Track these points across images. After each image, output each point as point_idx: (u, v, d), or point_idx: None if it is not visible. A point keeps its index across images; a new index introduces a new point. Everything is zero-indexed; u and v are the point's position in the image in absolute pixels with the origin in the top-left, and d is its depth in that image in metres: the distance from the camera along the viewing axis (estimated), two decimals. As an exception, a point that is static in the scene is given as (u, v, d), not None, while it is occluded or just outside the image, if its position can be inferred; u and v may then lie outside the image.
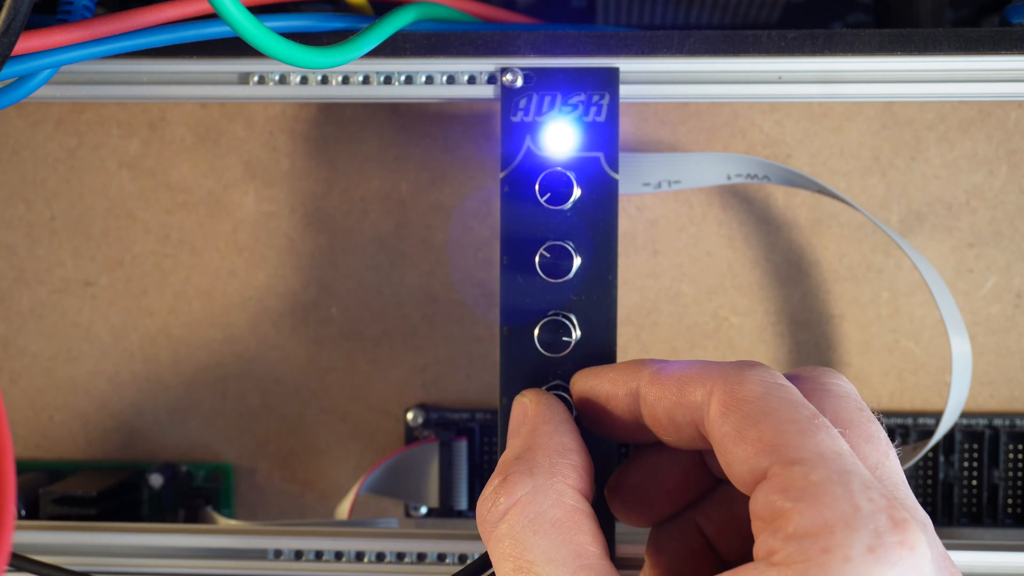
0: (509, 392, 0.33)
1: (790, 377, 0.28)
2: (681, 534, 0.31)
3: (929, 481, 0.44)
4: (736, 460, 0.25)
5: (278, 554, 0.37)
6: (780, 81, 0.34)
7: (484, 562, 0.32)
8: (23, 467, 0.45)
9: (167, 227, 0.45)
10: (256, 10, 0.30)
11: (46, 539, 0.38)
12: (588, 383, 0.31)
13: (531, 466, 0.28)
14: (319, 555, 0.37)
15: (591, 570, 0.26)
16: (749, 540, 0.30)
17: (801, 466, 0.24)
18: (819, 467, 0.24)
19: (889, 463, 0.27)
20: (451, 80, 0.34)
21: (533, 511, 0.27)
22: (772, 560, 0.23)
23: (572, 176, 0.33)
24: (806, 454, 0.24)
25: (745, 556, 0.30)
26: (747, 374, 0.26)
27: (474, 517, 0.44)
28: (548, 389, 0.33)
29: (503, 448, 0.34)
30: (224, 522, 0.43)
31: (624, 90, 0.34)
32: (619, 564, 0.31)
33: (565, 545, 0.26)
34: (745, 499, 0.29)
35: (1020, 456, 0.43)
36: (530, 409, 0.30)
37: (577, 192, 0.33)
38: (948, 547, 0.37)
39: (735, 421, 0.26)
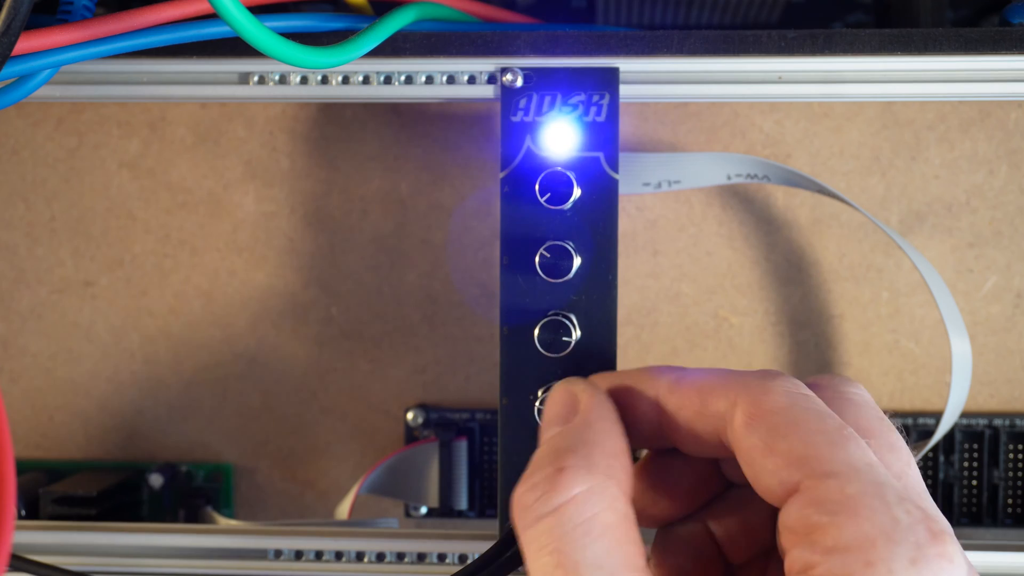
0: (509, 392, 0.33)
1: (808, 386, 0.28)
2: (690, 536, 0.31)
3: (929, 481, 0.44)
4: (764, 472, 0.25)
5: (278, 554, 0.37)
6: (780, 81, 0.34)
7: (506, 545, 0.31)
8: (23, 467, 0.45)
9: (167, 227, 0.45)
10: (256, 10, 0.30)
11: (46, 539, 0.38)
12: (602, 414, 0.31)
13: (589, 464, 0.27)
14: (319, 555, 0.37)
15: None
16: (759, 545, 0.30)
17: (835, 479, 0.24)
18: (853, 480, 0.24)
19: (912, 473, 0.27)
20: (451, 80, 0.34)
21: (588, 512, 0.26)
22: (811, 573, 0.23)
23: (572, 176, 0.33)
24: (839, 467, 0.24)
25: (754, 561, 0.30)
26: (771, 384, 0.26)
27: (474, 517, 0.45)
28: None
29: (503, 447, 0.34)
30: (224, 522, 0.43)
31: (624, 90, 0.34)
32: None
33: (615, 553, 0.25)
34: (758, 505, 0.29)
35: (1020, 456, 0.43)
36: (583, 400, 0.29)
37: (577, 192, 0.33)
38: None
39: (762, 433, 0.25)
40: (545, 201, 0.33)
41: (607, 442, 0.28)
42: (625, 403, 0.30)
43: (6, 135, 0.45)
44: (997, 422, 0.44)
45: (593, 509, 0.26)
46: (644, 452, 0.32)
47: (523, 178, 0.33)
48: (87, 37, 0.30)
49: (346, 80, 0.34)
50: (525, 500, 0.26)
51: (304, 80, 0.34)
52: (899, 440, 0.27)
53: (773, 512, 0.30)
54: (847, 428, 0.25)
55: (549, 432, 0.29)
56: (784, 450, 0.25)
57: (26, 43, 0.29)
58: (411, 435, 0.45)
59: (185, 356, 0.45)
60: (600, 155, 0.34)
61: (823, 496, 0.24)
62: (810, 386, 0.28)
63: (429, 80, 0.34)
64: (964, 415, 0.44)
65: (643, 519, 0.31)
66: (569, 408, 0.29)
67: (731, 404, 0.27)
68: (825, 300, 0.44)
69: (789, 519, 0.24)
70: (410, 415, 0.45)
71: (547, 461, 0.27)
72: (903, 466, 0.27)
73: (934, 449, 0.43)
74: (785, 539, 0.25)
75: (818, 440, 0.25)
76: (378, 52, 0.33)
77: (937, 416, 0.43)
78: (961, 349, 0.40)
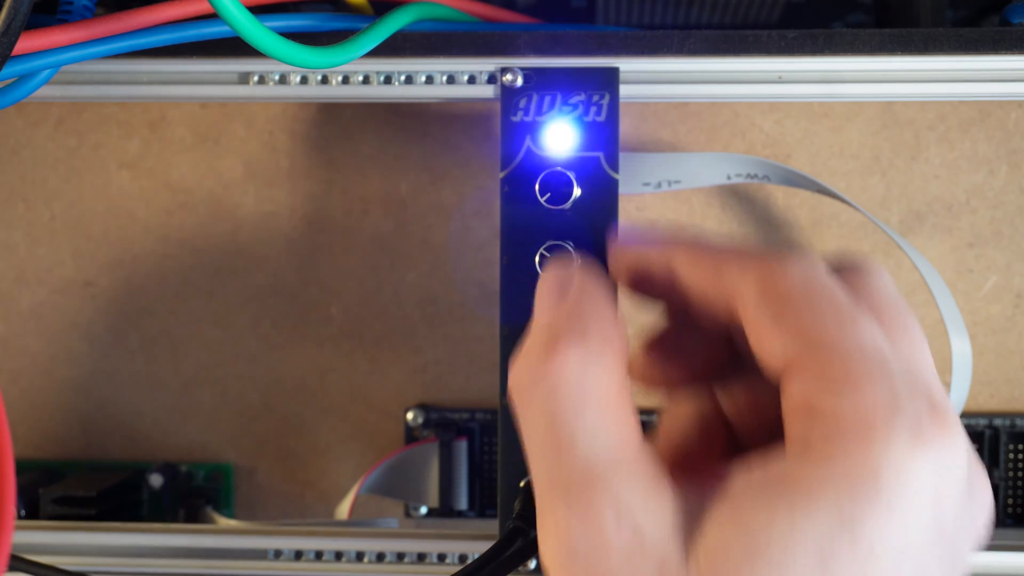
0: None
1: (829, 266, 0.28)
2: (699, 406, 0.31)
3: (929, 481, 0.44)
4: (770, 347, 0.25)
5: (278, 554, 0.37)
6: (780, 81, 0.34)
7: (506, 545, 0.31)
8: (23, 467, 0.45)
9: (167, 227, 0.45)
10: (256, 10, 0.30)
11: (46, 539, 0.38)
12: (624, 248, 0.30)
13: (584, 332, 0.26)
14: (319, 555, 0.37)
15: (632, 447, 0.25)
16: (767, 422, 0.29)
17: (841, 354, 0.24)
18: (859, 356, 0.24)
19: (921, 357, 0.27)
20: (451, 80, 0.34)
21: (584, 379, 0.26)
22: (812, 443, 0.23)
23: (572, 176, 0.33)
24: (847, 343, 0.24)
25: (761, 437, 0.30)
26: (788, 263, 0.26)
27: (474, 517, 0.45)
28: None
29: (503, 447, 0.34)
30: (224, 522, 0.43)
31: (624, 90, 0.34)
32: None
33: (611, 419, 0.25)
34: (768, 382, 0.29)
35: (1020, 456, 0.43)
36: (576, 276, 0.29)
37: (577, 192, 0.33)
38: (948, 547, 0.37)
39: (773, 309, 0.25)
40: (545, 201, 0.33)
41: (600, 313, 0.27)
42: (639, 266, 0.30)
43: (6, 135, 0.45)
44: (997, 422, 0.44)
45: (588, 377, 0.26)
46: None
47: (523, 178, 0.33)
48: (87, 37, 0.30)
49: (346, 80, 0.34)
50: (520, 374, 0.26)
51: (304, 80, 0.34)
52: (913, 323, 0.27)
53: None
54: (860, 310, 0.25)
55: (542, 310, 0.29)
56: (792, 326, 0.25)
57: (26, 43, 0.29)
58: (411, 435, 0.45)
59: (185, 356, 0.45)
60: (600, 155, 0.34)
61: (825, 370, 0.24)
62: (832, 267, 0.27)
63: (429, 80, 0.34)
64: (964, 415, 0.44)
65: (652, 382, 0.31)
66: (562, 288, 0.29)
67: (746, 277, 0.26)
68: (825, 300, 0.44)
69: (792, 394, 0.24)
70: (410, 415, 0.45)
71: (542, 335, 0.27)
72: (914, 351, 0.26)
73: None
74: (786, 412, 0.25)
75: (828, 318, 0.25)
76: (378, 52, 0.33)
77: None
78: (961, 349, 0.40)
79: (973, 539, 0.25)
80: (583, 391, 0.26)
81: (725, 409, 0.31)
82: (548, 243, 0.33)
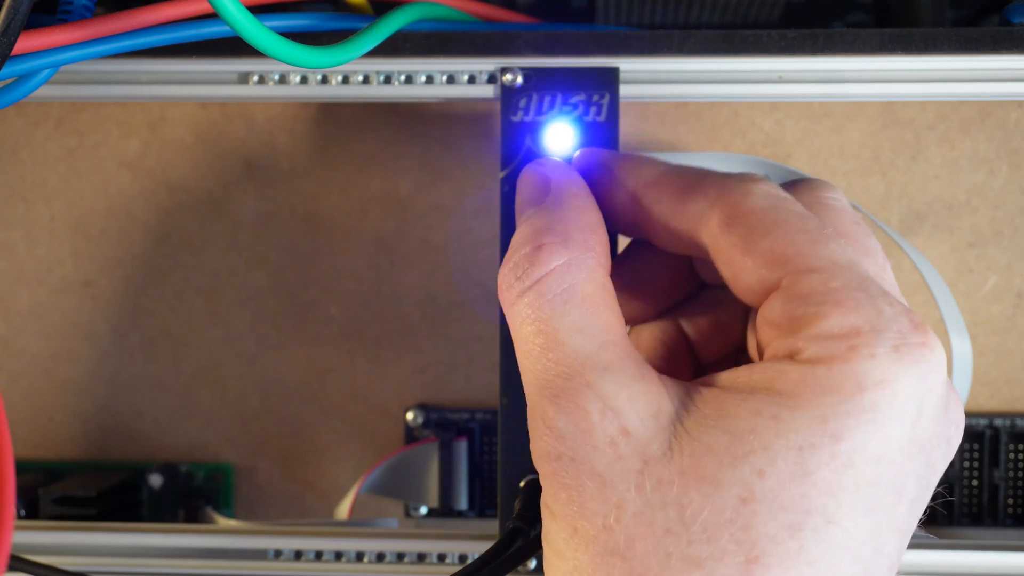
0: (509, 392, 0.33)
1: (786, 188, 0.28)
2: (663, 334, 0.31)
3: (929, 481, 0.44)
4: (744, 271, 0.25)
5: (278, 554, 0.37)
6: (780, 81, 0.34)
7: (506, 545, 0.32)
8: (23, 467, 0.45)
9: (167, 227, 0.45)
10: (256, 10, 0.30)
11: (46, 539, 0.38)
12: (575, 191, 0.30)
13: (566, 238, 0.27)
14: (319, 555, 0.37)
15: (617, 345, 0.26)
16: (731, 344, 0.30)
17: (819, 273, 0.24)
18: (837, 274, 0.24)
19: (888, 276, 0.27)
20: (451, 80, 0.34)
21: (567, 282, 0.26)
22: (797, 358, 0.24)
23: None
24: (822, 262, 0.24)
25: (724, 361, 0.31)
26: (750, 186, 0.26)
27: (474, 517, 0.45)
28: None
29: (503, 447, 0.34)
30: (224, 522, 0.43)
31: (624, 90, 0.34)
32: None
33: (594, 318, 0.26)
34: (730, 305, 0.29)
35: (1021, 456, 0.43)
36: (555, 179, 0.29)
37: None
38: (948, 547, 0.37)
39: (742, 233, 0.25)
40: (545, 201, 0.33)
41: (582, 217, 0.28)
42: (603, 190, 0.30)
43: (6, 135, 0.45)
44: (998, 422, 0.44)
45: (571, 280, 0.26)
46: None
47: (523, 178, 0.33)
48: (87, 37, 0.30)
49: (346, 80, 0.34)
50: (507, 279, 0.27)
51: (304, 80, 0.34)
52: (875, 244, 0.27)
53: (745, 311, 0.30)
54: (828, 228, 0.26)
55: (524, 213, 0.29)
56: (765, 248, 0.25)
57: (26, 43, 0.29)
58: (411, 435, 0.45)
59: (185, 356, 0.45)
60: (600, 155, 0.33)
61: (807, 290, 0.24)
62: (787, 190, 0.28)
63: (429, 80, 0.34)
64: (965, 415, 0.43)
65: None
66: (542, 188, 0.29)
67: (709, 204, 0.27)
68: (825, 300, 0.44)
69: (772, 314, 0.25)
70: (410, 415, 0.45)
71: (526, 240, 0.27)
72: (879, 269, 0.27)
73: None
74: (766, 333, 0.25)
75: (799, 239, 0.25)
76: (378, 52, 0.33)
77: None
78: (961, 349, 0.40)
79: (946, 456, 0.25)
80: (566, 294, 0.26)
81: (688, 333, 0.31)
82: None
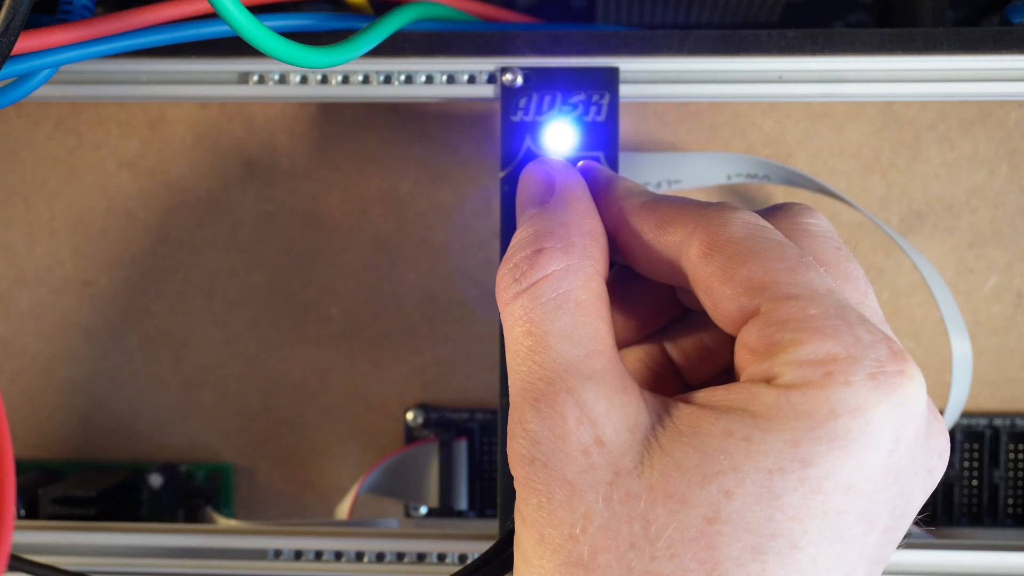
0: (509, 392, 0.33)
1: (766, 214, 0.28)
2: (648, 357, 0.31)
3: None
4: (723, 299, 0.25)
5: (278, 554, 0.37)
6: (780, 81, 0.34)
7: (506, 545, 0.32)
8: (23, 467, 0.45)
9: (167, 227, 0.45)
10: (256, 10, 0.30)
11: (45, 539, 0.38)
12: (578, 194, 0.31)
13: (567, 244, 0.27)
14: (319, 555, 0.37)
15: (603, 356, 0.26)
16: (717, 368, 0.30)
17: (797, 300, 0.24)
18: (815, 302, 0.24)
19: (870, 302, 0.27)
20: (451, 80, 0.34)
21: (563, 287, 0.26)
22: (774, 382, 0.24)
23: (572, 176, 0.33)
24: (800, 290, 0.24)
25: (713, 382, 0.30)
26: (729, 216, 0.26)
27: (474, 517, 0.45)
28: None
29: (503, 447, 0.34)
30: (224, 522, 0.43)
31: (624, 90, 0.34)
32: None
33: (585, 326, 0.26)
34: (714, 330, 0.29)
35: (1021, 456, 0.43)
36: (559, 180, 0.29)
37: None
38: (948, 547, 0.37)
39: (721, 262, 0.26)
40: (545, 201, 0.33)
41: (585, 222, 0.28)
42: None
43: (6, 135, 0.45)
44: (998, 422, 0.44)
45: (567, 285, 0.26)
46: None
47: (523, 178, 0.33)
48: (87, 37, 0.30)
49: (346, 80, 0.34)
50: (505, 279, 0.27)
51: (304, 80, 0.34)
52: (857, 270, 0.27)
53: (730, 336, 0.30)
54: (806, 256, 0.26)
55: (526, 212, 0.29)
56: (743, 277, 0.25)
57: (26, 43, 0.29)
58: (411, 435, 0.45)
59: (185, 356, 0.45)
60: (600, 155, 0.34)
61: (784, 316, 0.24)
62: (767, 216, 0.28)
63: (429, 80, 0.34)
64: (964, 415, 0.44)
65: None
66: (545, 187, 0.29)
67: (688, 234, 0.27)
68: (825, 300, 0.44)
69: (749, 339, 0.25)
70: (410, 415, 0.45)
71: (528, 242, 0.27)
72: (860, 295, 0.27)
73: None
74: (743, 359, 0.25)
75: (777, 267, 0.25)
76: (378, 52, 0.33)
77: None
78: (961, 349, 0.40)
79: (927, 486, 0.25)
80: (561, 299, 0.26)
81: (673, 357, 0.31)
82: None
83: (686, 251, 0.27)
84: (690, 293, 0.29)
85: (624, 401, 0.25)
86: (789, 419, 0.23)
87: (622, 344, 0.32)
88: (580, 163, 0.32)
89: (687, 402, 0.25)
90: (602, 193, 0.30)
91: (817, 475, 0.23)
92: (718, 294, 0.26)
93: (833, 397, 0.23)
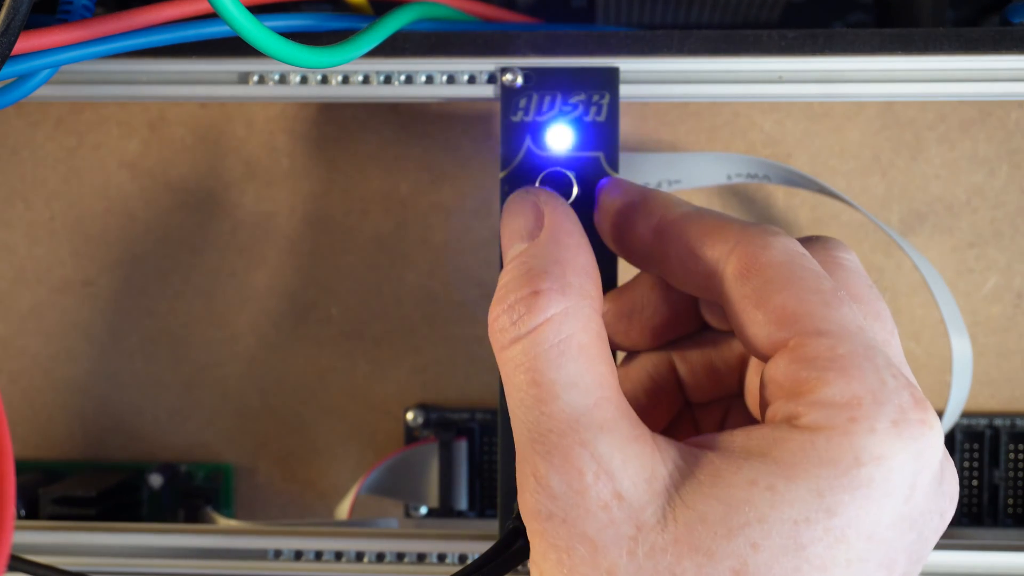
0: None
1: (802, 244, 0.28)
2: (653, 368, 0.31)
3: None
4: (753, 323, 0.25)
5: (278, 554, 0.37)
6: (780, 81, 0.34)
7: (506, 545, 0.32)
8: (23, 467, 0.45)
9: (167, 227, 0.45)
10: (256, 10, 0.30)
11: (45, 539, 0.38)
12: (614, 197, 0.30)
13: (564, 285, 0.27)
14: (319, 555, 0.37)
15: (611, 402, 0.25)
16: (722, 389, 0.31)
17: (827, 338, 0.24)
18: (845, 340, 0.24)
19: (895, 342, 0.27)
20: (451, 80, 0.34)
21: (564, 332, 0.26)
22: (796, 423, 0.24)
23: (572, 176, 0.33)
24: (832, 326, 0.24)
25: (713, 404, 0.31)
26: (770, 239, 0.26)
27: (474, 517, 0.45)
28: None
29: (503, 447, 0.34)
30: (224, 522, 0.43)
31: (624, 90, 0.34)
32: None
33: (590, 372, 0.26)
34: (727, 350, 0.29)
35: (1021, 456, 0.43)
36: (548, 213, 0.29)
37: (576, 191, 0.33)
38: (948, 547, 0.37)
39: (756, 285, 0.25)
40: (545, 201, 0.33)
41: (578, 259, 0.28)
42: (624, 221, 0.30)
43: (6, 135, 0.45)
44: (998, 422, 0.44)
45: (568, 330, 0.26)
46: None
47: (523, 178, 0.33)
48: (87, 37, 0.30)
49: (346, 80, 0.34)
50: (501, 322, 0.27)
51: (304, 80, 0.34)
52: (885, 309, 0.27)
53: (741, 360, 0.30)
54: (841, 291, 0.26)
55: (514, 247, 0.28)
56: (777, 304, 0.25)
57: (26, 43, 0.29)
58: (411, 435, 0.45)
59: (185, 356, 0.45)
60: (600, 155, 0.34)
61: (813, 353, 0.24)
62: (803, 245, 0.28)
63: (429, 80, 0.34)
64: (965, 415, 0.44)
65: (612, 344, 0.31)
66: (533, 220, 0.29)
67: (728, 251, 0.27)
68: (825, 300, 0.44)
69: (777, 373, 0.25)
70: (410, 415, 0.45)
71: (522, 282, 0.27)
72: (887, 335, 0.27)
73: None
74: (769, 391, 0.25)
75: (812, 299, 0.25)
76: (378, 52, 0.33)
77: (938, 416, 0.43)
78: (961, 349, 0.40)
79: (939, 529, 0.25)
80: (563, 344, 0.26)
81: (680, 372, 0.31)
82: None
83: (723, 268, 0.27)
84: (714, 308, 0.29)
85: (639, 451, 0.25)
86: (814, 466, 0.23)
87: (631, 349, 0.32)
88: (608, 180, 0.32)
89: (703, 447, 0.25)
90: (639, 204, 0.30)
91: (841, 524, 0.23)
92: (749, 317, 0.26)
93: (858, 444, 0.23)
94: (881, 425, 0.23)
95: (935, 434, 0.24)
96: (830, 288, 0.25)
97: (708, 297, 0.28)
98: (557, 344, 0.26)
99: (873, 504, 0.23)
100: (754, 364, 0.30)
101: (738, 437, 0.25)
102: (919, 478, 0.23)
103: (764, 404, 0.25)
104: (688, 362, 0.31)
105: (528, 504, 0.25)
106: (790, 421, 0.24)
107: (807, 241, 0.29)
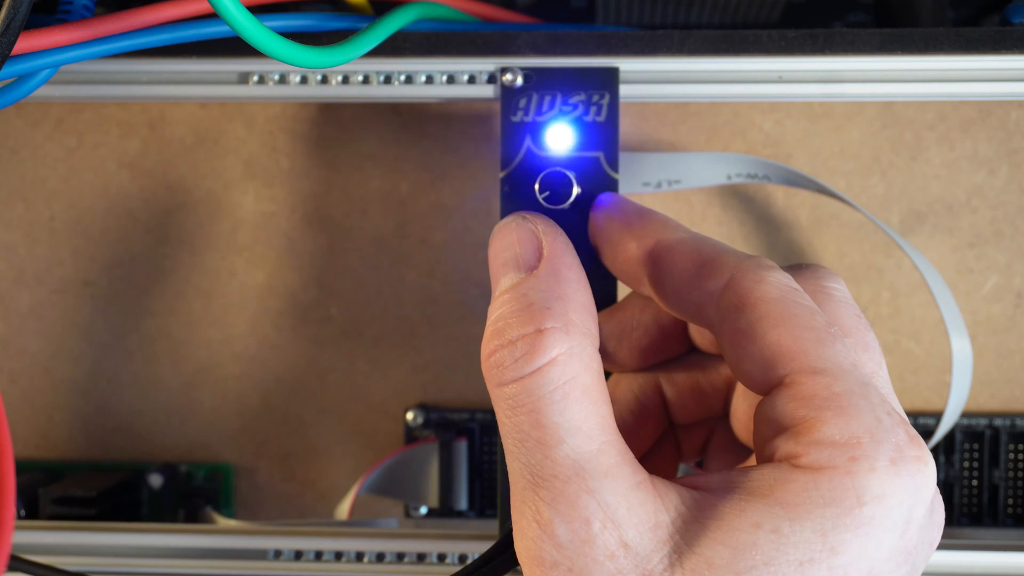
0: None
1: (790, 272, 0.28)
2: (639, 389, 0.31)
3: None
4: (748, 357, 0.26)
5: (278, 554, 0.37)
6: (780, 81, 0.34)
7: (506, 545, 0.32)
8: (23, 467, 0.45)
9: (167, 227, 0.45)
10: (256, 10, 0.30)
11: (46, 539, 0.38)
12: (611, 216, 0.30)
13: (566, 323, 0.26)
14: (319, 555, 0.37)
15: (613, 447, 0.25)
16: (706, 412, 0.31)
17: (823, 376, 0.24)
18: (840, 378, 0.24)
19: (882, 373, 0.27)
20: (451, 80, 0.34)
21: (568, 374, 0.25)
22: (797, 463, 0.24)
23: (572, 176, 0.33)
24: (827, 364, 0.25)
25: (697, 425, 0.32)
26: (765, 274, 0.26)
27: (474, 517, 0.45)
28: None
29: (502, 449, 0.34)
30: (224, 522, 0.43)
31: (624, 90, 0.34)
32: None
33: (593, 416, 0.25)
34: (714, 373, 0.30)
35: (1021, 456, 0.43)
36: (547, 244, 0.28)
37: (577, 191, 0.33)
38: (948, 547, 0.37)
39: (751, 319, 0.26)
40: (544, 200, 0.33)
41: (579, 296, 0.27)
42: (620, 241, 0.30)
43: (6, 135, 0.45)
44: (998, 422, 0.44)
45: (572, 372, 0.26)
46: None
47: (523, 178, 0.33)
48: (87, 37, 0.30)
49: (346, 80, 0.34)
50: (500, 358, 0.26)
51: (304, 80, 0.34)
52: (873, 340, 0.28)
53: (727, 384, 0.31)
54: (834, 327, 0.26)
55: (508, 276, 0.28)
56: (772, 341, 0.25)
57: (26, 43, 0.29)
58: (411, 435, 0.45)
59: (185, 356, 0.45)
60: (600, 155, 0.34)
61: (810, 392, 0.24)
62: (791, 274, 0.28)
63: (429, 80, 0.34)
64: (965, 415, 0.44)
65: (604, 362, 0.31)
66: (532, 250, 0.28)
67: (723, 283, 0.27)
68: (825, 300, 0.44)
69: (773, 411, 0.25)
70: (410, 415, 0.45)
71: (524, 318, 0.26)
72: (875, 366, 0.27)
73: (934, 449, 0.43)
74: (767, 429, 0.25)
75: (807, 336, 0.25)
76: (378, 52, 0.33)
77: (937, 416, 0.43)
78: (961, 349, 0.40)
79: (928, 557, 0.26)
80: (567, 387, 0.25)
81: (666, 393, 0.31)
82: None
83: (718, 299, 0.27)
84: (703, 331, 0.29)
85: (642, 499, 0.25)
86: (817, 506, 0.23)
87: (622, 370, 0.32)
88: (604, 196, 0.32)
89: (702, 488, 0.25)
90: (635, 224, 0.29)
91: (843, 563, 0.23)
92: (744, 351, 0.26)
93: (859, 484, 0.23)
94: (880, 464, 0.23)
95: (930, 470, 0.24)
96: (823, 324, 0.25)
97: (700, 324, 0.28)
98: (562, 386, 0.25)
99: (873, 541, 0.23)
100: (740, 388, 0.30)
101: (737, 478, 0.25)
102: (914, 512, 0.24)
103: (760, 439, 0.26)
104: (675, 384, 0.31)
105: (530, 551, 0.25)
106: (790, 460, 0.24)
107: (796, 269, 0.29)
